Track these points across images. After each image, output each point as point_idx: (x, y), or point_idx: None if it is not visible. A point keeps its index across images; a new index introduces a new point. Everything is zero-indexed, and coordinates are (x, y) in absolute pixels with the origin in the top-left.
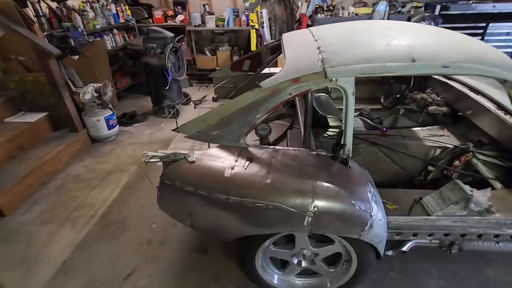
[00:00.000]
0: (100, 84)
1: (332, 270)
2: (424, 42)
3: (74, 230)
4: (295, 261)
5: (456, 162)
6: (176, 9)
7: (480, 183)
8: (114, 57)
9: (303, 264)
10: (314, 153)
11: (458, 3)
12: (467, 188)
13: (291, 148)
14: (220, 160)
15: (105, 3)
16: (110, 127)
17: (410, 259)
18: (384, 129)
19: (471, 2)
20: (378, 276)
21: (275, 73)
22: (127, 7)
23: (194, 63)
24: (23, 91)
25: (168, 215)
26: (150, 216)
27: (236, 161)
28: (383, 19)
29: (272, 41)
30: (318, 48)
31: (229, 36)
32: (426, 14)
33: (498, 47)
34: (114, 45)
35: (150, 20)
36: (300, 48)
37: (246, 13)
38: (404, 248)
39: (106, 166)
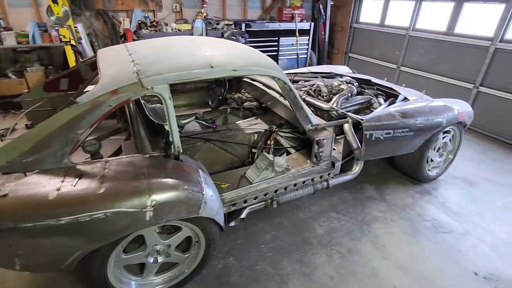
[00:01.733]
0: None
1: (187, 255)
2: (219, 53)
3: None
4: (151, 259)
5: (268, 142)
6: None
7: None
8: None
9: (159, 259)
10: (148, 155)
11: (256, 22)
12: (270, 156)
13: (124, 156)
14: (41, 185)
15: None
16: None
17: (250, 225)
18: (215, 126)
19: (265, 21)
20: (229, 247)
21: None
22: None
23: None
24: None
25: None
26: None
27: (62, 181)
28: (201, 34)
29: (89, 57)
30: (132, 61)
31: (38, 54)
32: (235, 30)
33: (287, 54)
34: None
35: None
36: (116, 62)
37: (56, 28)
38: (242, 216)
39: None
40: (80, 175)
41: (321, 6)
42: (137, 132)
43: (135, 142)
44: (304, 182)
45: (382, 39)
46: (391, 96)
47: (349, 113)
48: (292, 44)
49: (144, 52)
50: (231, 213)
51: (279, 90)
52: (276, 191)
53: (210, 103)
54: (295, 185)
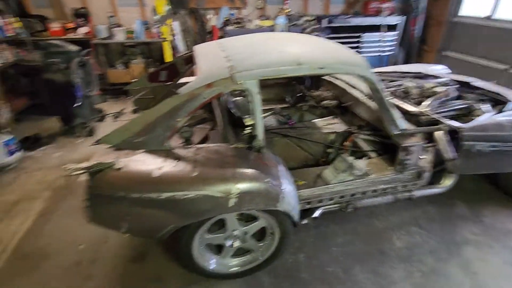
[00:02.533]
0: None
1: (261, 244)
2: (306, 50)
3: None
4: (229, 243)
5: (346, 143)
6: (77, 21)
7: (365, 157)
8: (3, 75)
9: (236, 244)
10: (233, 146)
11: (339, 17)
12: (350, 158)
13: (212, 145)
14: (147, 163)
15: None
16: (10, 153)
17: (322, 226)
18: (292, 122)
19: (348, 16)
20: (300, 244)
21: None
22: (17, 18)
23: (106, 77)
24: None
25: (100, 226)
26: (75, 238)
27: (163, 162)
28: (283, 30)
29: (184, 52)
30: (226, 57)
31: (141, 49)
32: (316, 27)
33: (371, 52)
34: (2, 61)
35: (46, 33)
36: (210, 58)
37: (157, 26)
38: (315, 215)
39: (9, 197)
40: (177, 158)
41: None
42: (224, 123)
43: (221, 133)
44: (384, 189)
45: (489, 35)
46: (498, 102)
47: (444, 119)
48: (377, 40)
49: (235, 49)
50: (304, 210)
51: (363, 89)
52: (353, 194)
53: (288, 99)
54: (374, 191)
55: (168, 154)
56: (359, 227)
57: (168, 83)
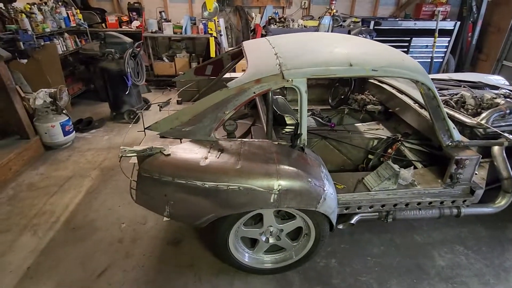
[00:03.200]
0: (54, 89)
1: (295, 244)
2: (359, 51)
3: (35, 237)
4: (264, 238)
5: (389, 150)
6: (131, 15)
7: (408, 166)
8: (64, 62)
9: (271, 240)
10: (276, 143)
11: (388, 20)
12: (396, 166)
13: (256, 140)
14: (194, 152)
15: (54, 6)
16: (66, 133)
17: (357, 233)
18: (333, 125)
19: (397, 19)
20: (332, 248)
21: (236, 77)
22: (78, 11)
23: (152, 69)
24: None
25: (144, 207)
26: (118, 217)
27: (209, 152)
28: (327, 31)
29: (232, 48)
30: (276, 54)
31: (186, 43)
32: (362, 28)
33: (419, 57)
34: (65, 49)
35: (103, 25)
36: (260, 54)
37: (203, 22)
38: (352, 221)
39: (64, 173)
40: (222, 149)
41: (473, 3)
42: (268, 120)
43: (266, 129)
44: (430, 203)
45: None
46: None
47: (504, 134)
48: (427, 45)
49: (285, 46)
50: (340, 215)
51: (414, 95)
52: (395, 205)
53: (330, 101)
54: (419, 203)
55: (214, 145)
56: (397, 239)
57: (212, 77)
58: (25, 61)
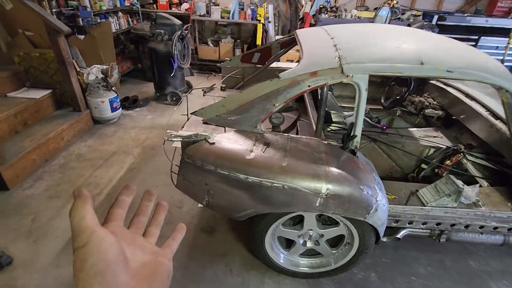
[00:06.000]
0: (106, 66)
1: (334, 251)
2: (431, 48)
3: None
4: (301, 241)
5: (448, 162)
6: None
7: (468, 182)
8: (116, 40)
9: (308, 244)
10: (325, 142)
11: (454, 15)
12: (459, 182)
13: (303, 137)
14: (239, 143)
15: None
16: (113, 109)
17: (401, 248)
18: (384, 127)
19: (466, 15)
20: (372, 261)
21: (282, 67)
22: None
23: (196, 52)
24: (27, 66)
25: (183, 192)
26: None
27: (254, 145)
28: (384, 23)
29: (283, 36)
30: (335, 45)
31: (232, 29)
32: (424, 23)
33: None
34: (118, 28)
35: (155, 6)
36: (317, 44)
37: (251, 7)
38: (399, 235)
39: (109, 148)
40: (268, 143)
41: None
42: (319, 116)
43: (316, 126)
44: (496, 228)
45: None
46: None
47: None
48: (497, 46)
49: (346, 37)
50: (386, 227)
51: (486, 102)
52: (453, 225)
53: (382, 100)
54: (481, 227)
55: (259, 137)
56: (448, 262)
57: (258, 66)
58: (82, 37)
